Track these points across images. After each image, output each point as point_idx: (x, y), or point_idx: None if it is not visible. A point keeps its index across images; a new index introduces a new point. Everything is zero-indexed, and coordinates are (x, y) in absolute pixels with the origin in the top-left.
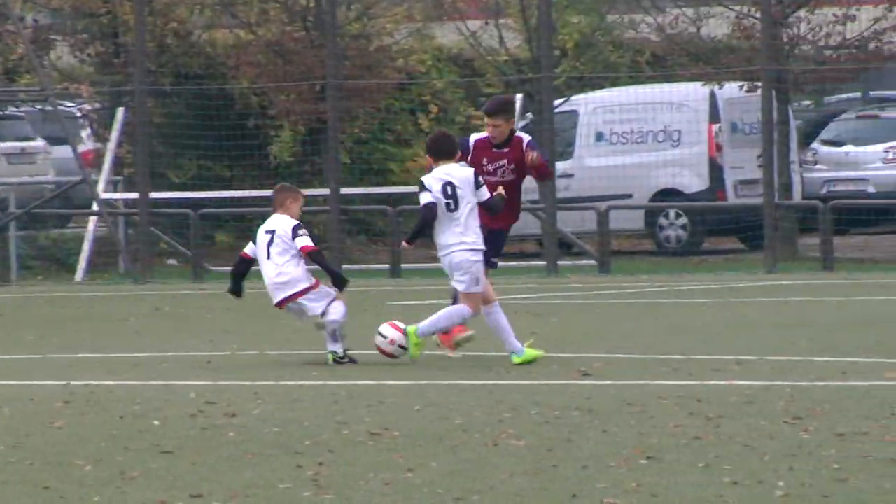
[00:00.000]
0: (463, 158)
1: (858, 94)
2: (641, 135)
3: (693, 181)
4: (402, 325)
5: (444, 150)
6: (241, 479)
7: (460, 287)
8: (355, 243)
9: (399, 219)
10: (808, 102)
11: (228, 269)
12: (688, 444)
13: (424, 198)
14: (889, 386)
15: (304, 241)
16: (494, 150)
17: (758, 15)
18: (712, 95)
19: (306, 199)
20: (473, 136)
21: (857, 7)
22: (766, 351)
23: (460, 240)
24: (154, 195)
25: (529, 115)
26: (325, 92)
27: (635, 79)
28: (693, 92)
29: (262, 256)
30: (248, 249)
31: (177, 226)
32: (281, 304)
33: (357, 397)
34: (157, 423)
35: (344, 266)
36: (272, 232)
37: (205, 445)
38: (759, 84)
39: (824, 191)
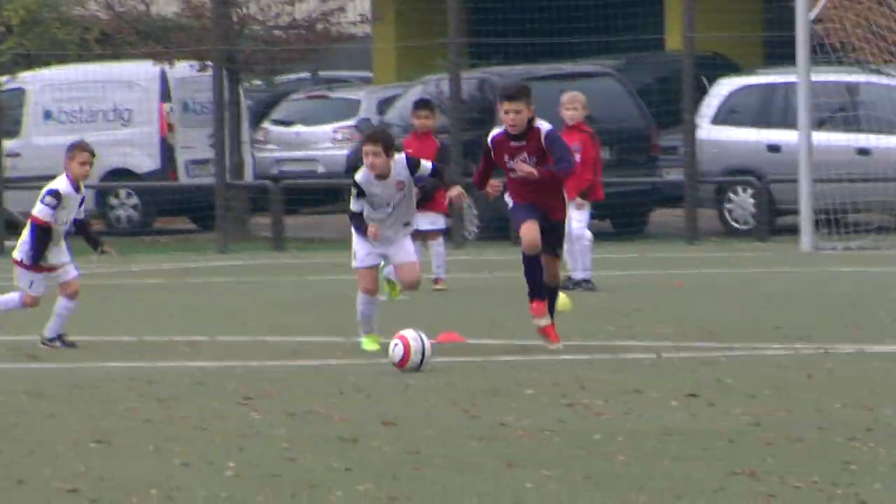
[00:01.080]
0: (487, 160)
1: (308, 75)
2: (91, 114)
3: (144, 161)
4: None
5: None
6: None
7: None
8: None
9: None
10: (259, 82)
11: None
12: (138, 427)
13: None
14: (338, 365)
15: (35, 209)
16: (513, 143)
17: None
18: (163, 74)
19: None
20: (491, 134)
21: None
22: (219, 332)
23: None
24: None
25: None
26: None
27: (84, 57)
28: (144, 71)
29: None
30: None
31: None
32: None
33: None
34: None
35: None
36: None
37: None
38: (211, 64)
39: (275, 171)
